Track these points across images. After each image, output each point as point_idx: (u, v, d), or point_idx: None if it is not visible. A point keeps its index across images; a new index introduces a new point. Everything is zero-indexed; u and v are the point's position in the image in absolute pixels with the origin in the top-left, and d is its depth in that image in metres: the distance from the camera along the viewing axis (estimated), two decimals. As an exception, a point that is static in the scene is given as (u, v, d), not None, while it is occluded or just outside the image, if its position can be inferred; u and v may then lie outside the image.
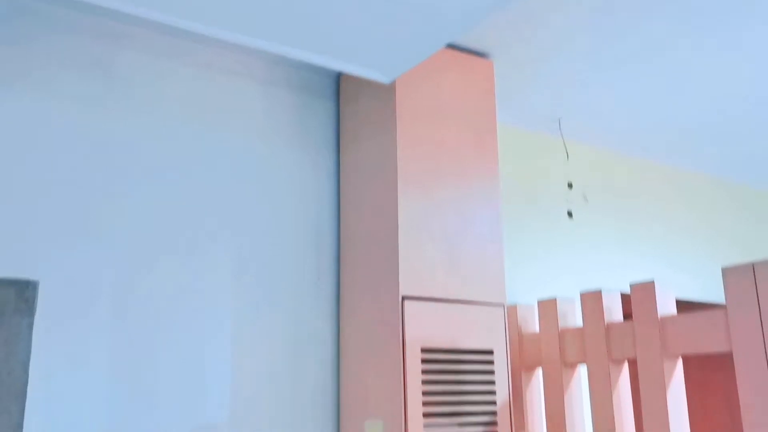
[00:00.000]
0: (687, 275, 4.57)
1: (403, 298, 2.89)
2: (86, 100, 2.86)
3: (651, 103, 3.89)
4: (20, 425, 2.39)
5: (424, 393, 2.85)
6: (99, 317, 2.70)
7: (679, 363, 2.96)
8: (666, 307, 2.99)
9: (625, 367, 3.18)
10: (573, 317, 3.46)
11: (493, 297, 3.14)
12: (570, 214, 4.17)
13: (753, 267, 2.63)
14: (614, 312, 3.22)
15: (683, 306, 4.19)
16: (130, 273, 2.80)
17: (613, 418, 3.09)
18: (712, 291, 4.52)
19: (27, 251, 2.62)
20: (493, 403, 3.01)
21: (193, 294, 2.92)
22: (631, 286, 3.07)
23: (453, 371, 2.95)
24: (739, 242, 4.97)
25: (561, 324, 3.41)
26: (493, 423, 2.98)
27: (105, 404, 2.65)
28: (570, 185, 4.22)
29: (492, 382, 3.03)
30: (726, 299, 2.71)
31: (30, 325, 2.45)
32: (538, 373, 3.56)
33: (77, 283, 2.68)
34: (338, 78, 3.55)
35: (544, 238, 4.06)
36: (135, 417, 2.70)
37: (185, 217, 2.98)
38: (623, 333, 3.10)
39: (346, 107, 3.47)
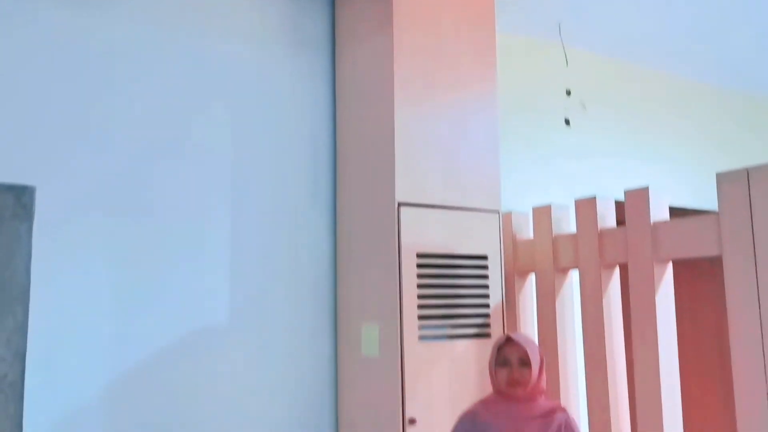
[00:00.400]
0: (683, 183, 4.59)
1: (399, 205, 2.91)
2: (82, 6, 2.78)
3: (652, 8, 3.80)
4: (25, 326, 2.45)
5: (420, 297, 2.91)
6: (97, 220, 2.72)
7: (669, 267, 3.02)
8: (659, 212, 3.02)
9: (616, 271, 3.24)
10: (567, 224, 3.49)
11: (488, 204, 3.16)
12: (567, 122, 4.14)
13: (747, 172, 2.64)
14: (608, 218, 3.25)
15: (677, 213, 4.22)
16: (126, 176, 2.81)
17: (603, 321, 3.17)
18: (707, 198, 4.55)
19: (23, 157, 2.61)
20: (487, 306, 3.08)
21: (191, 199, 2.93)
22: (625, 192, 3.09)
23: (448, 276, 3.00)
24: (735, 150, 4.96)
25: (555, 230, 3.45)
26: (486, 326, 3.06)
27: (107, 305, 2.71)
28: (568, 92, 4.17)
29: (486, 287, 3.09)
30: (719, 204, 2.74)
31: (29, 230, 2.47)
32: (531, 278, 3.62)
33: (74, 187, 2.69)
34: (333, -20, 3.45)
35: (540, 145, 4.04)
36: (137, 318, 2.76)
37: (181, 122, 2.95)
38: (616, 238, 3.14)
39: (342, 12, 3.38)
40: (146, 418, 2.73)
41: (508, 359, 2.06)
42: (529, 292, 3.63)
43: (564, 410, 2.05)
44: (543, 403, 2.05)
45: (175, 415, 2.79)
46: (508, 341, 2.10)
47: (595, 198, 3.24)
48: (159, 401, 2.77)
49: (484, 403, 2.12)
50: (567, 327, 3.42)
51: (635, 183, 4.32)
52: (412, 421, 2.78)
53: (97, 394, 2.65)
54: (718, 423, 4.17)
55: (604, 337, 3.16)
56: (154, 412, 2.75)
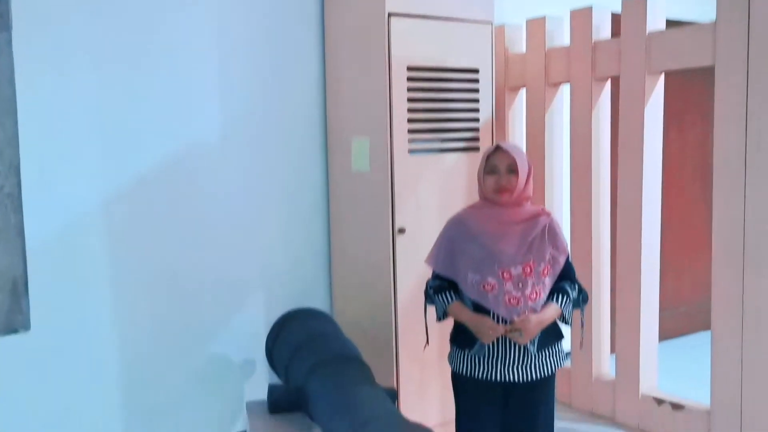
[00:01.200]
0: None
1: (390, 15, 2.82)
2: None
3: None
4: (15, 138, 2.44)
5: (410, 110, 2.90)
6: (78, 26, 2.62)
7: (661, 79, 3.00)
8: (655, 23, 2.96)
9: (608, 85, 3.23)
10: (561, 37, 3.42)
11: (480, 14, 3.06)
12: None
13: (750, -22, 2.55)
14: (602, 30, 3.18)
15: (673, 27, 4.12)
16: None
17: (591, 133, 3.21)
18: (705, 11, 4.41)
19: (-9, -37, 2.47)
20: (476, 120, 3.08)
21: (178, 10, 2.82)
22: (622, 1, 3.00)
23: (438, 89, 2.98)
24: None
25: (548, 44, 3.38)
26: (475, 140, 3.08)
27: (95, 115, 2.68)
28: None
29: (476, 101, 3.08)
30: (717, 12, 2.68)
31: (8, 41, 2.38)
32: (522, 93, 3.61)
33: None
34: None
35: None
36: (126, 130, 2.75)
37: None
38: (609, 50, 3.09)
39: None
40: (142, 229, 2.82)
41: (497, 167, 2.10)
42: (519, 107, 3.63)
43: (548, 214, 2.13)
44: (528, 208, 2.12)
45: (170, 226, 2.88)
46: (497, 150, 2.12)
47: (590, 8, 3.14)
48: (154, 212, 2.84)
49: (471, 209, 2.19)
50: (555, 140, 3.46)
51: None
52: (402, 231, 2.89)
53: (94, 203, 2.71)
54: (696, 230, 4.34)
55: (590, 149, 3.21)
56: (150, 222, 2.83)
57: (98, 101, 2.69)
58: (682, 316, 4.48)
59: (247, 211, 3.06)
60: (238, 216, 3.04)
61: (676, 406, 3.00)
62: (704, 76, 3.04)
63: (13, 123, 2.42)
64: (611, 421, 3.25)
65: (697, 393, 3.05)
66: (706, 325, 2.99)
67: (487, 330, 2.00)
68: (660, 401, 3.06)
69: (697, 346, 3.93)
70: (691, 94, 4.16)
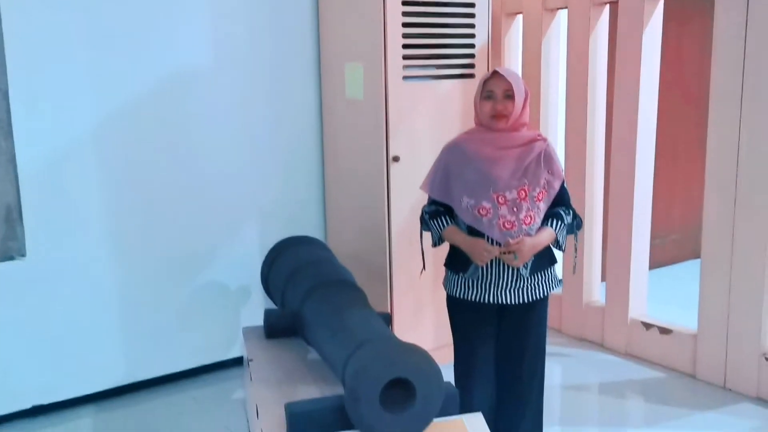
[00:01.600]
0: None
1: (384, -65, 2.74)
2: None
3: None
4: (3, 62, 2.40)
5: (404, 36, 2.84)
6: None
7: (660, 4, 2.95)
8: (657, -55, 2.89)
9: (606, 10, 3.17)
10: (559, -40, 3.34)
11: (478, -65, 2.98)
12: None
13: None
14: (602, -47, 3.11)
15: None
16: None
17: (588, 58, 3.17)
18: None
19: None
20: (472, 47, 3.03)
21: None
22: None
23: (433, 14, 2.91)
24: None
25: (546, -33, 3.31)
26: (471, 66, 3.04)
27: (84, 38, 2.63)
28: None
29: (472, 26, 3.01)
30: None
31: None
32: (518, 19, 3.54)
33: None
34: None
35: None
36: (116, 55, 2.71)
37: None
38: (609, -26, 3.03)
39: None
40: (135, 154, 2.81)
41: (493, 92, 2.07)
42: (515, 33, 3.57)
43: (545, 140, 2.11)
44: (525, 133, 2.10)
45: (163, 151, 2.87)
46: (494, 75, 2.09)
47: (591, -70, 3.06)
48: (147, 137, 2.83)
49: (467, 134, 2.17)
50: (551, 67, 3.42)
51: None
52: (396, 159, 2.88)
53: (85, 129, 2.69)
54: (689, 157, 4.35)
55: (587, 75, 3.18)
56: (142, 148, 2.82)
57: (88, 26, 2.63)
58: (673, 244, 4.53)
59: (241, 138, 3.04)
60: (231, 143, 3.02)
61: (664, 331, 3.07)
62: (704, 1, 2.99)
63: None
64: (600, 346, 3.33)
65: (684, 320, 3.11)
66: (696, 254, 3.03)
67: (481, 251, 2.02)
68: (648, 326, 3.12)
69: (687, 274, 3.99)
70: (690, 18, 4.09)
